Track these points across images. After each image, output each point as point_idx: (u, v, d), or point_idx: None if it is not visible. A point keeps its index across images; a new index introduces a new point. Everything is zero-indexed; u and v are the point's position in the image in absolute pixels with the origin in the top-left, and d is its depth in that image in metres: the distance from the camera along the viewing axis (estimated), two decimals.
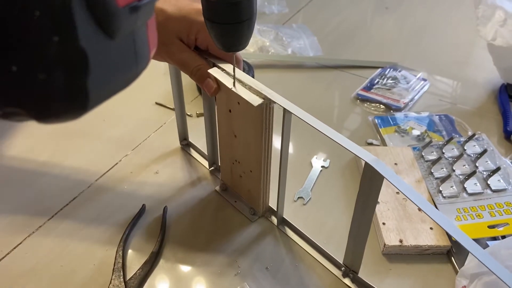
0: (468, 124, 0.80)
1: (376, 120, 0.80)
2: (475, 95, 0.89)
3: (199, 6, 0.47)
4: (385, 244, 0.57)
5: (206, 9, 0.43)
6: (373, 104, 0.85)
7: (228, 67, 0.52)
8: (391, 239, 0.57)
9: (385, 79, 0.90)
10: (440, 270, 0.56)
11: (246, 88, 0.50)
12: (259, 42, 1.01)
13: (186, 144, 0.74)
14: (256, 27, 1.06)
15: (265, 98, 0.48)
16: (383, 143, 0.76)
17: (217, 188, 0.66)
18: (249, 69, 0.88)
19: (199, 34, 0.52)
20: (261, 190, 0.56)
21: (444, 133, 0.76)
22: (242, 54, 1.00)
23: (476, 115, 0.83)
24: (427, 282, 0.55)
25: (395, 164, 0.69)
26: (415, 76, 0.91)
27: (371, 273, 0.55)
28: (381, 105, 0.85)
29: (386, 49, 1.05)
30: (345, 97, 0.88)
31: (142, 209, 0.63)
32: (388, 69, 0.93)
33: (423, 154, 0.70)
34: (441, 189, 0.63)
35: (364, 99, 0.87)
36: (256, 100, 0.47)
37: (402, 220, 0.60)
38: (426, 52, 1.04)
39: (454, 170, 0.66)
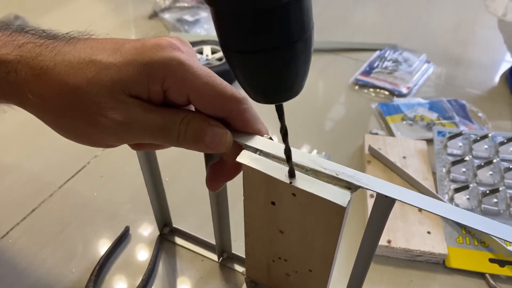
0: (479, 109, 0.72)
1: (380, 107, 0.71)
2: (484, 78, 0.82)
3: (160, 40, 0.30)
4: None
5: (228, 32, 0.24)
6: (374, 90, 0.77)
7: (254, 141, 0.33)
8: None
9: (385, 62, 0.82)
10: (431, 280, 0.49)
11: (307, 173, 0.31)
12: None
13: (170, 232, 0.52)
14: None
15: (351, 187, 0.30)
16: (389, 133, 0.67)
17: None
18: None
19: (169, 80, 0.30)
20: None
21: (457, 120, 0.68)
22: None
23: (487, 99, 0.76)
24: None
25: (404, 157, 0.61)
26: (418, 58, 0.83)
27: None
28: (383, 91, 0.77)
29: (383, 29, 0.97)
30: (342, 83, 0.79)
31: (125, 234, 0.51)
32: (388, 51, 0.85)
33: (448, 144, 0.61)
34: (454, 197, 0.55)
35: (363, 85, 0.78)
36: (341, 197, 0.29)
37: (396, 219, 0.52)
38: (426, 32, 0.96)
39: (476, 176, 0.57)
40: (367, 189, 0.30)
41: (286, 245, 0.38)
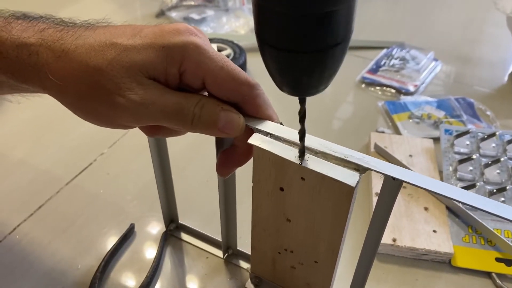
0: (487, 107, 0.71)
1: (386, 105, 0.71)
2: (492, 76, 0.81)
3: (178, 25, 0.32)
4: None
5: (269, 27, 0.24)
6: (380, 88, 0.76)
7: (265, 125, 0.34)
8: (383, 236, 0.49)
9: (393, 60, 0.81)
10: (437, 279, 0.48)
11: (317, 155, 0.32)
12: (251, 23, 0.91)
13: (176, 228, 0.52)
14: (247, 6, 0.96)
15: (359, 169, 0.31)
16: (396, 131, 0.67)
17: (247, 285, 0.47)
18: (240, 53, 0.79)
19: (186, 63, 0.31)
20: (331, 282, 0.40)
21: (464, 118, 0.67)
22: (230, 36, 0.90)
23: (496, 98, 0.75)
24: None
25: (410, 156, 0.61)
26: (426, 55, 0.82)
27: None
28: (390, 89, 0.76)
29: (391, 27, 0.96)
30: (349, 81, 0.79)
31: (130, 231, 0.51)
32: (395, 49, 0.84)
33: (454, 143, 0.60)
34: None
35: (370, 83, 0.77)
36: (350, 177, 0.30)
37: (401, 218, 0.52)
38: (434, 29, 0.95)
39: (483, 174, 0.56)
40: (375, 171, 0.30)
41: (292, 235, 0.38)
